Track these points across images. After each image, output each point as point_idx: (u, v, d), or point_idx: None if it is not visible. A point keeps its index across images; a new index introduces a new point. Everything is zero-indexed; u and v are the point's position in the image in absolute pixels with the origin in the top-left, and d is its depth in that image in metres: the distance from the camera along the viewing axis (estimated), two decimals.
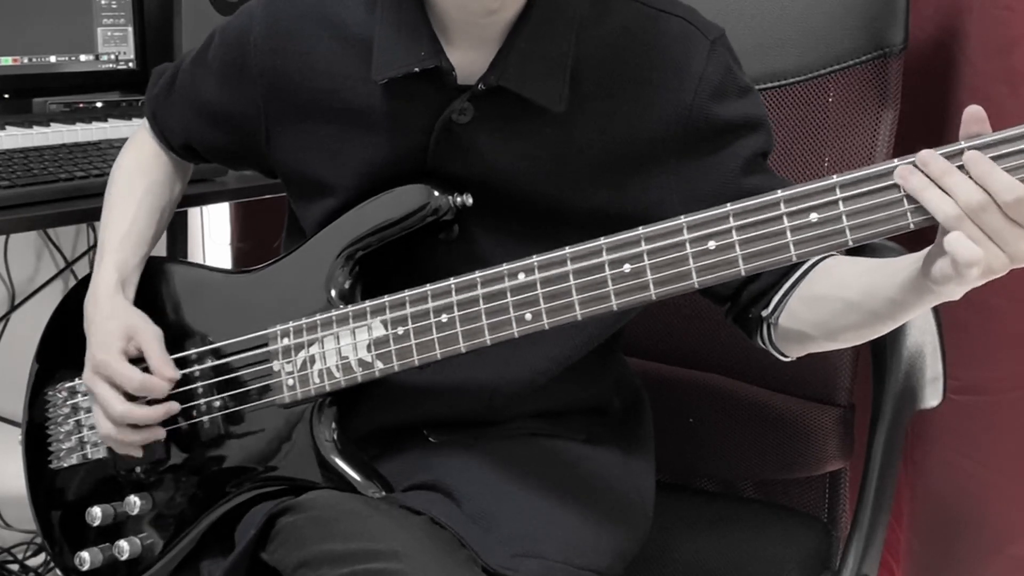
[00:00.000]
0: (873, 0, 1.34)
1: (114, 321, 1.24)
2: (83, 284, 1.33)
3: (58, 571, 1.32)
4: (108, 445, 1.27)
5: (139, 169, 1.35)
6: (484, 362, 1.13)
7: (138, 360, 1.23)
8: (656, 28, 1.13)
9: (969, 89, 1.42)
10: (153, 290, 1.30)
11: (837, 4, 1.36)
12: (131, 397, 1.22)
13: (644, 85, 1.12)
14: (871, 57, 1.35)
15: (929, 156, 0.89)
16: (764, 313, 1.13)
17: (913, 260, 0.97)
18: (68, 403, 1.34)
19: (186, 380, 1.24)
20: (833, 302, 1.07)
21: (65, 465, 1.33)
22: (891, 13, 1.34)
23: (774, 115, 1.41)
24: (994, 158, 0.87)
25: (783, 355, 1.16)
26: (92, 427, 1.30)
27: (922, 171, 0.89)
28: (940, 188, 0.88)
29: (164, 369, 1.21)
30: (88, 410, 1.31)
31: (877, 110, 1.36)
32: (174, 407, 1.22)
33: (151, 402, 1.22)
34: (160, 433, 1.23)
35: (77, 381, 1.32)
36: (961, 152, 0.88)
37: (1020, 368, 1.43)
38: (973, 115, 0.89)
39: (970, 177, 0.88)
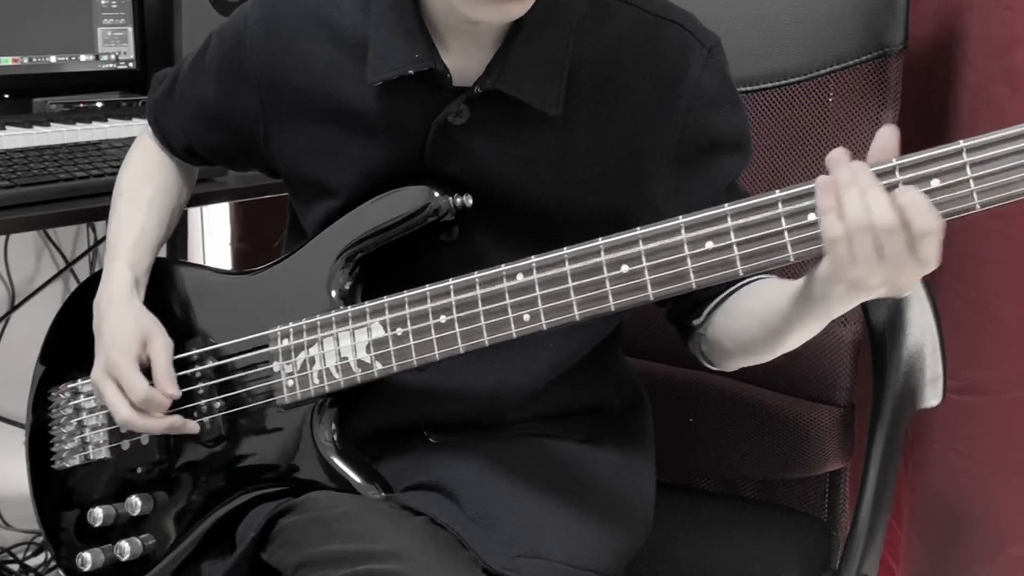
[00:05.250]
0: (873, 0, 1.34)
1: (131, 323, 1.24)
2: (87, 285, 1.33)
3: (60, 571, 1.32)
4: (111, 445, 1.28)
5: (146, 173, 1.36)
6: (484, 367, 1.14)
7: (146, 368, 1.23)
8: (653, 34, 1.13)
9: (969, 89, 1.42)
10: (156, 291, 1.30)
11: (837, 4, 1.36)
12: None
13: (640, 91, 1.12)
14: (871, 57, 1.35)
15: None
16: (695, 323, 1.16)
17: (809, 277, 0.97)
18: (71, 404, 1.34)
19: (187, 381, 1.24)
20: (746, 314, 1.10)
21: (67, 466, 1.33)
22: (891, 13, 1.33)
23: (774, 115, 1.41)
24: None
25: (711, 364, 1.19)
26: (94, 428, 1.31)
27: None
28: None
29: (166, 386, 1.21)
30: (91, 411, 1.31)
31: (877, 110, 1.36)
32: (177, 421, 1.22)
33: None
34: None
35: (80, 382, 1.32)
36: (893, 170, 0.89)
37: (1020, 368, 1.43)
38: (883, 138, 0.89)
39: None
